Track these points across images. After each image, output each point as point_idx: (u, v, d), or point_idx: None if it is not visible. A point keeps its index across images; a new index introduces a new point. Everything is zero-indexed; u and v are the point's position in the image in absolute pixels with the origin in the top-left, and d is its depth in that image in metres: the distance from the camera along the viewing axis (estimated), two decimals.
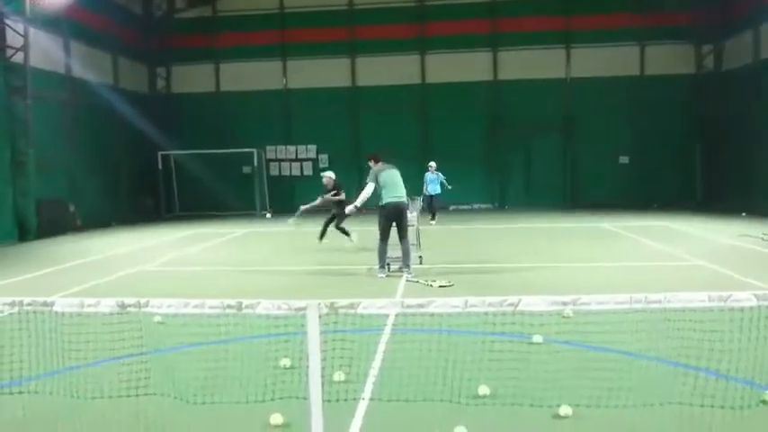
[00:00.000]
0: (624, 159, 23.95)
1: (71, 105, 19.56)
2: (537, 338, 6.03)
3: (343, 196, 13.31)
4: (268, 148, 24.95)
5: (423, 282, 9.14)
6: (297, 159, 25.10)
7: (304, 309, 2.94)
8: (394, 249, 9.86)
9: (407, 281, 9.31)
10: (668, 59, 23.54)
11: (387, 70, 24.35)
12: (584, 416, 4.27)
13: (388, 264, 9.97)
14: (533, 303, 2.92)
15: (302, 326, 3.10)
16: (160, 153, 23.75)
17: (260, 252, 13.55)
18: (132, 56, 23.67)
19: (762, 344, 4.37)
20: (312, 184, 25.00)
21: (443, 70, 24.21)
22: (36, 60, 17.33)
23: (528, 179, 24.37)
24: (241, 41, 24.87)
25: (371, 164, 9.96)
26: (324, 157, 24.91)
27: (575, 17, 23.55)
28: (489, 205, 24.37)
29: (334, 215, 13.33)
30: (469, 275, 9.92)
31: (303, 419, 3.44)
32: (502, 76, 24.16)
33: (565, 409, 4.29)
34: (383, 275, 9.68)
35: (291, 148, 25.08)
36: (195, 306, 2.99)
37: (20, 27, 16.52)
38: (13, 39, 16.42)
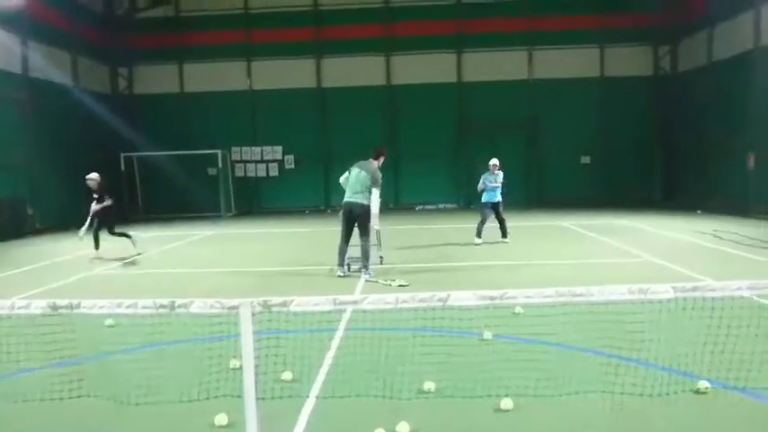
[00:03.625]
0: (586, 159, 24.42)
1: (29, 105, 19.12)
2: (487, 335, 6.15)
3: (107, 202, 12.43)
4: (233, 148, 24.77)
5: (381, 281, 9.21)
6: (263, 161, 24.98)
7: (237, 307, 2.97)
8: (356, 249, 9.92)
9: (366, 281, 9.37)
10: (627, 61, 24.10)
11: (353, 71, 24.40)
12: (524, 407, 4.39)
13: (349, 264, 10.02)
14: (463, 298, 3.00)
15: (235, 324, 3.13)
16: (123, 154, 23.39)
17: (221, 254, 13.45)
18: (93, 55, 23.26)
19: (679, 334, 4.55)
20: (278, 186, 25.06)
21: (409, 71, 24.37)
22: None
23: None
24: (205, 41, 24.63)
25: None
26: (290, 158, 24.88)
27: (537, 19, 23.89)
28: (455, 205, 24.57)
29: (101, 221, 12.48)
30: (428, 274, 10.02)
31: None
32: (466, 77, 24.41)
33: (506, 402, 4.40)
34: (342, 274, 9.73)
35: (257, 149, 24.94)
36: (128, 306, 2.99)
37: None
38: None
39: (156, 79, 24.93)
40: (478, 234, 13.24)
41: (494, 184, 13.33)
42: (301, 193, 24.55)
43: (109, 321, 6.90)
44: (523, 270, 10.20)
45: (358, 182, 9.62)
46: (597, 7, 23.63)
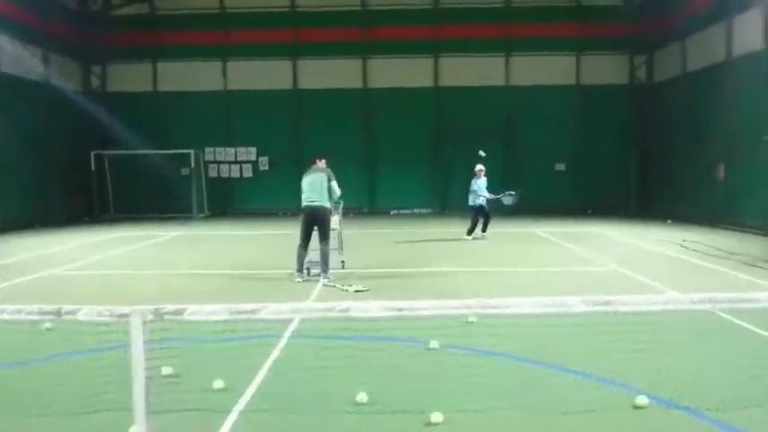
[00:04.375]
0: (560, 166, 24.43)
1: None
2: (433, 344, 6.02)
3: None
4: (207, 149, 24.46)
5: (339, 286, 9.06)
6: (236, 161, 24.67)
7: (127, 315, 2.79)
8: (316, 254, 9.77)
9: (324, 285, 9.24)
10: (604, 69, 24.16)
11: (330, 74, 24.17)
12: (455, 421, 4.25)
13: (308, 268, 9.88)
14: (365, 309, 2.86)
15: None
16: (93, 153, 22.99)
17: (184, 255, 13.20)
18: (65, 52, 22.80)
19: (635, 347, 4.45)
20: (251, 187, 24.78)
21: (386, 75, 24.22)
22: None
23: (468, 184, 24.54)
24: (180, 40, 24.28)
25: None
26: (264, 160, 24.59)
27: (514, 25, 23.91)
28: (430, 210, 24.46)
29: None
30: (389, 280, 9.89)
31: None
32: (444, 82, 24.34)
33: (436, 416, 4.26)
34: (300, 279, 9.60)
35: (231, 150, 24.65)
36: (11, 312, 2.81)
37: None
38: None
39: (130, 77, 24.50)
40: (474, 229, 15.25)
41: (483, 193, 15.11)
42: (275, 194, 24.18)
43: (47, 325, 6.67)
44: (484, 277, 10.11)
45: (316, 186, 9.73)
46: (574, 16, 23.71)
